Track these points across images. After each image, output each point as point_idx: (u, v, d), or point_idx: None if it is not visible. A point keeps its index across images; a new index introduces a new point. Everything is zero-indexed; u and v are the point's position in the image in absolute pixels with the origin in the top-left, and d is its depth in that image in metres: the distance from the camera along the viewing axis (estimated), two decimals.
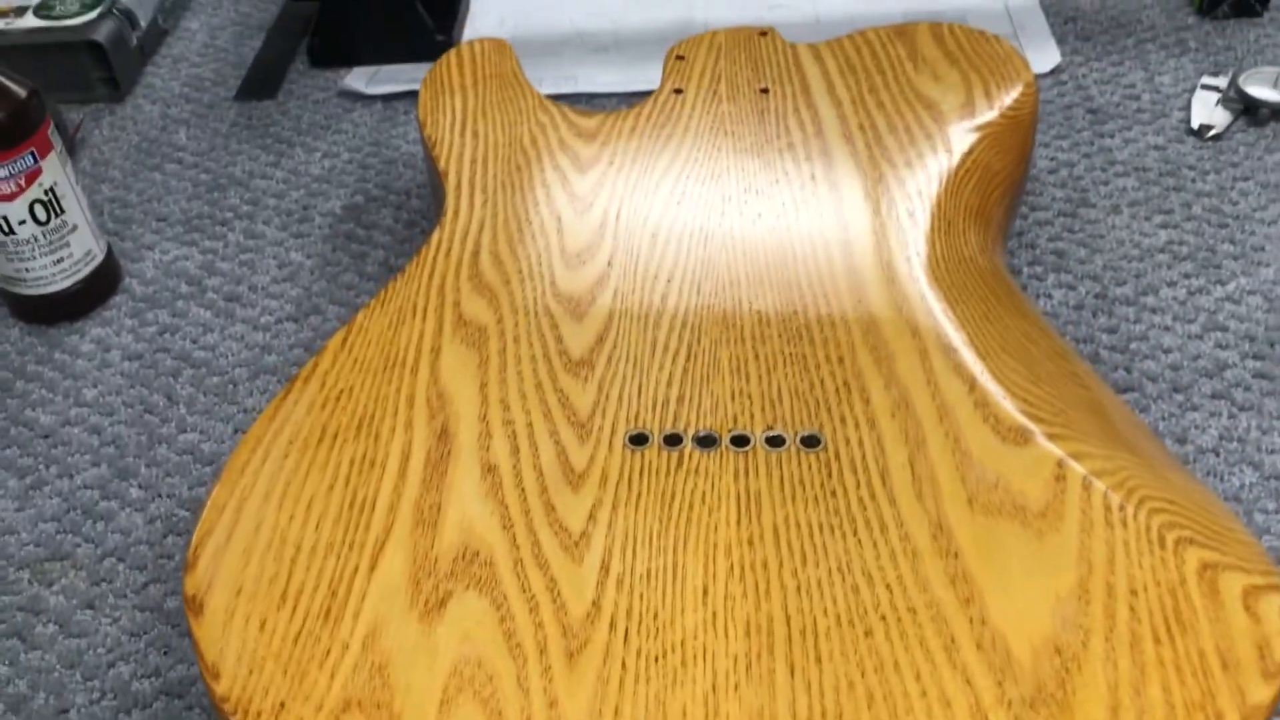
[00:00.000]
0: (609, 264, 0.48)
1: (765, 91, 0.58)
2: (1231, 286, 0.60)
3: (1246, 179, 0.67)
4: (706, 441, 0.41)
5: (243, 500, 0.40)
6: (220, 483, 0.40)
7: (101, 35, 0.79)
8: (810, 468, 0.40)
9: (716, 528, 0.38)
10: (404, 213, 0.70)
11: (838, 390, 0.42)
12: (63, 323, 0.64)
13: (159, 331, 0.64)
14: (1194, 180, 0.67)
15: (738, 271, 0.48)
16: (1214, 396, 0.55)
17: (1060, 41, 0.79)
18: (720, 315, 0.46)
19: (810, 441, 0.41)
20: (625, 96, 0.77)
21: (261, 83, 0.82)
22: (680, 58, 0.61)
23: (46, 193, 0.60)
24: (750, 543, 0.37)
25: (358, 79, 0.80)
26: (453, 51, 0.62)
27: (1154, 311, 0.59)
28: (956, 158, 0.53)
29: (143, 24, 0.84)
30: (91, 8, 0.80)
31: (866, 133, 0.54)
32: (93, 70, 0.80)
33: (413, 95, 0.79)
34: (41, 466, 0.57)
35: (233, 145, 0.77)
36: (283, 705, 0.34)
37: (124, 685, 0.47)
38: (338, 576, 0.37)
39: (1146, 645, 0.34)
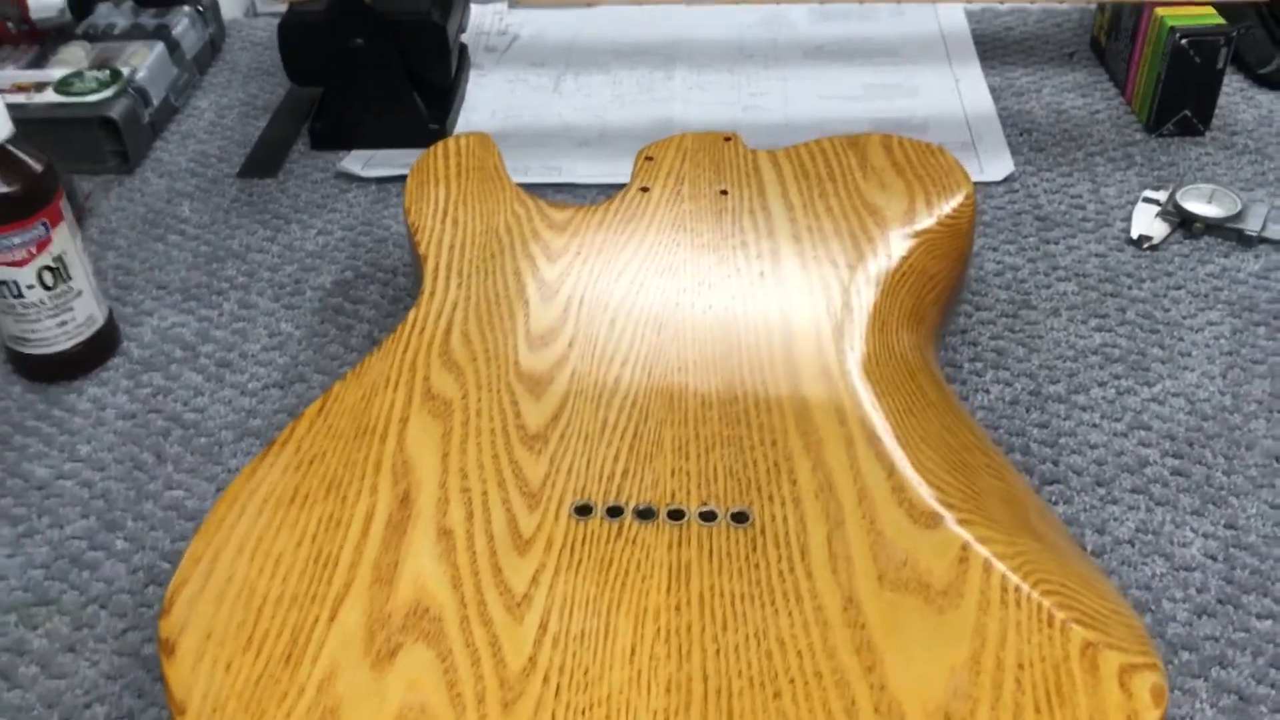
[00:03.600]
0: (569, 345, 0.53)
1: (724, 193, 0.62)
2: (1157, 389, 0.65)
3: (1179, 288, 0.71)
4: (645, 514, 0.45)
5: (217, 552, 0.44)
6: (198, 536, 0.44)
7: (116, 112, 0.84)
8: (738, 541, 0.43)
9: (648, 594, 0.42)
10: (390, 289, 0.74)
11: (769, 470, 0.46)
12: (63, 381, 0.68)
13: (153, 393, 0.68)
14: (1130, 287, 0.72)
15: (686, 357, 0.52)
16: (1134, 491, 0.59)
17: (1015, 152, 0.84)
18: (667, 398, 0.50)
19: (740, 517, 0.45)
20: (605, 187, 0.82)
21: (264, 161, 0.87)
22: (649, 158, 0.66)
23: (55, 260, 0.64)
24: (678, 609, 0.41)
25: (354, 162, 0.85)
26: (439, 144, 0.67)
27: (1083, 409, 0.64)
28: (895, 261, 0.57)
29: (155, 102, 0.89)
30: (108, 86, 0.85)
31: (814, 234, 0.59)
32: (105, 144, 0.85)
33: (405, 179, 0.84)
34: (34, 516, 0.60)
35: (233, 219, 0.82)
36: None
37: None
38: (299, 625, 0.41)
39: (1028, 715, 0.38)
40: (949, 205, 0.61)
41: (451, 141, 0.67)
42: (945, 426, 0.50)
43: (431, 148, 0.67)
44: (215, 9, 1.01)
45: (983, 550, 0.43)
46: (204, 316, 0.73)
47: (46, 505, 0.61)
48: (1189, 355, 0.67)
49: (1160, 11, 0.83)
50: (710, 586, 0.42)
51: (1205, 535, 0.57)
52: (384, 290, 0.74)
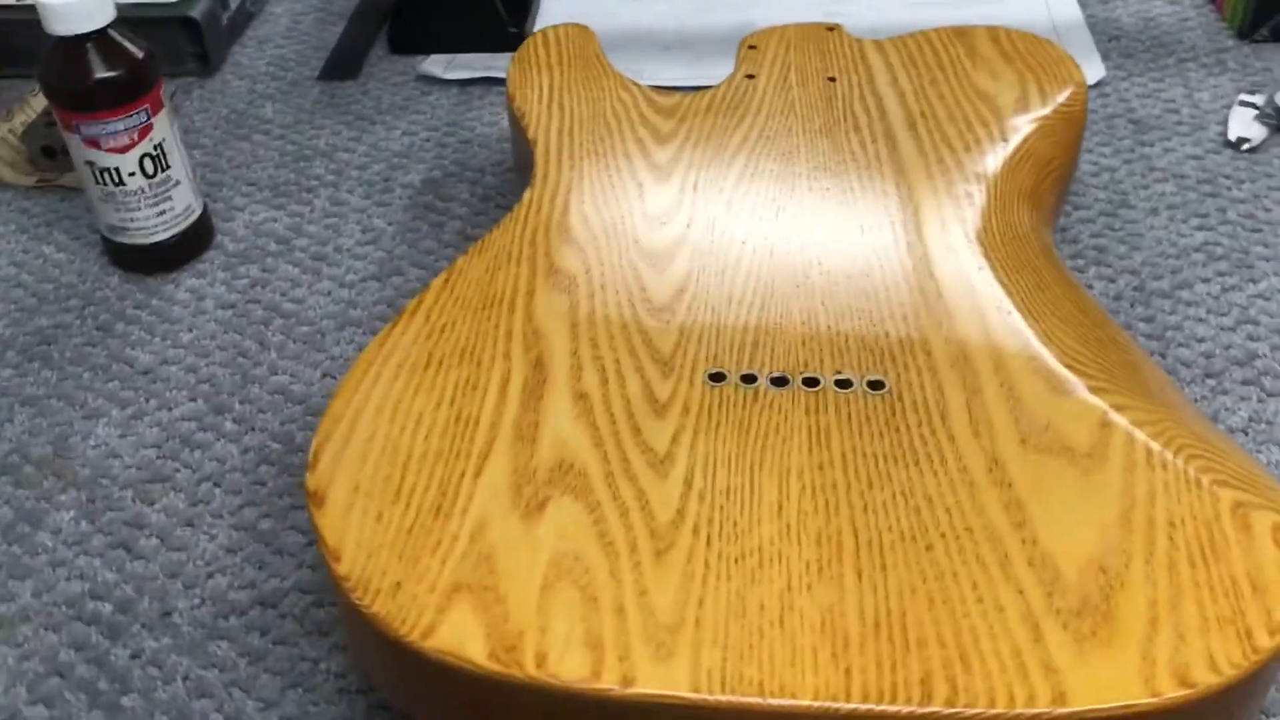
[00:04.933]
0: (688, 226, 0.52)
1: (833, 80, 0.62)
2: (1263, 285, 0.64)
3: (1279, 189, 0.70)
4: (780, 381, 0.45)
5: (358, 412, 0.44)
6: (338, 395, 0.44)
7: (197, 12, 0.84)
8: (875, 407, 0.43)
9: (789, 454, 0.42)
10: (479, 188, 0.74)
11: (901, 342, 0.46)
12: (160, 273, 0.68)
13: (250, 284, 0.68)
14: (1229, 188, 0.71)
15: (808, 238, 0.52)
16: (1244, 383, 0.58)
17: (1104, 58, 0.83)
18: (791, 275, 0.50)
19: (876, 385, 0.44)
20: (691, 89, 0.81)
21: (344, 64, 0.86)
22: (753, 47, 0.65)
23: (156, 148, 0.64)
24: (820, 468, 0.41)
25: (435, 65, 0.85)
26: (539, 34, 0.66)
27: (1189, 305, 0.63)
28: (1012, 145, 0.56)
29: (232, 5, 0.89)
30: None
31: (928, 120, 0.58)
32: (186, 45, 0.85)
33: (487, 82, 0.84)
34: (141, 399, 0.61)
35: (316, 120, 0.81)
36: (398, 585, 0.38)
37: (221, 594, 0.51)
38: (446, 479, 0.41)
39: (1183, 569, 0.38)
40: (1062, 94, 0.60)
41: (551, 31, 0.67)
42: (1072, 301, 0.49)
43: (531, 37, 0.66)
44: None
45: (1122, 417, 0.43)
46: (295, 212, 0.73)
47: (153, 389, 0.61)
48: None
49: None
50: (852, 448, 0.42)
51: None
52: (473, 189, 0.74)
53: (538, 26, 0.89)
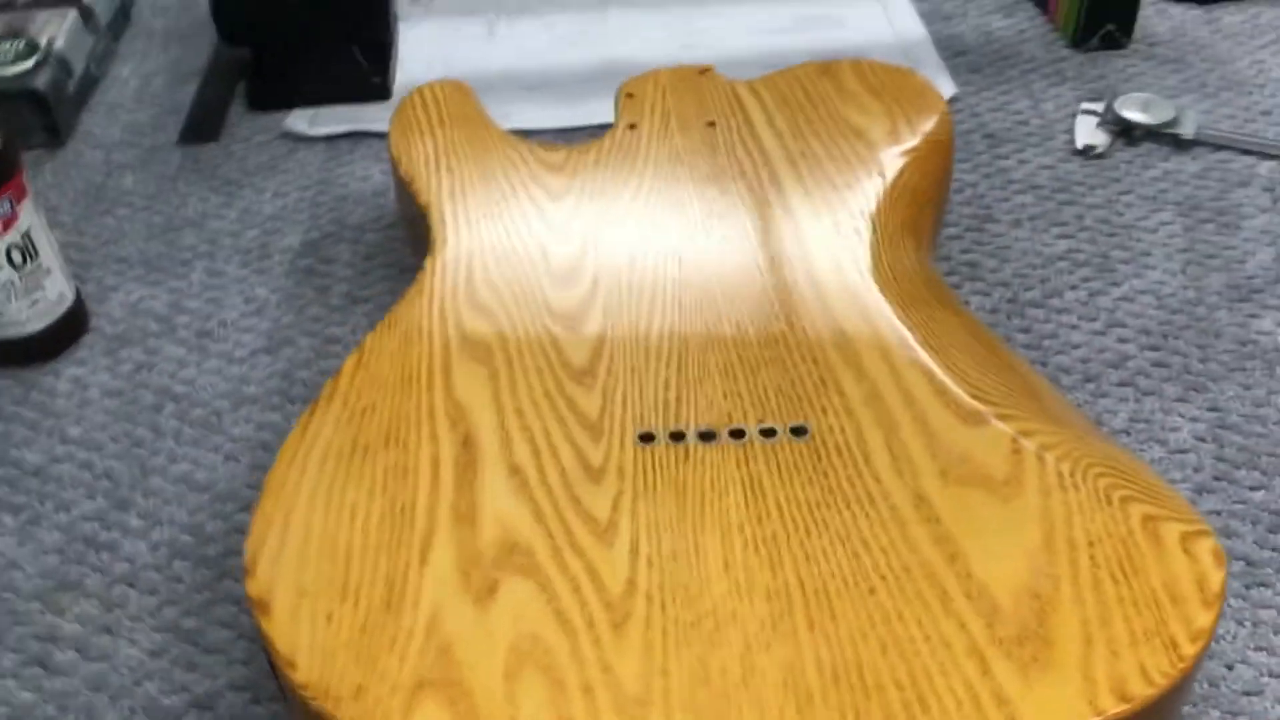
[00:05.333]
0: (594, 282, 0.53)
1: (712, 125, 0.63)
2: (1125, 288, 0.68)
3: (1128, 193, 0.75)
4: (707, 436, 0.46)
5: (289, 511, 0.43)
6: (266, 495, 0.44)
7: (41, 84, 0.80)
8: (802, 454, 0.45)
9: (728, 509, 0.43)
10: (360, 246, 0.73)
11: (815, 385, 0.48)
12: (36, 364, 0.66)
13: (135, 369, 0.66)
14: (1083, 195, 0.75)
15: (712, 288, 0.53)
16: (1120, 384, 0.62)
17: (953, 74, 0.86)
18: (702, 326, 0.51)
19: (798, 431, 0.46)
20: (560, 132, 0.82)
21: (203, 126, 0.84)
22: (630, 95, 0.66)
23: (23, 237, 0.62)
24: (759, 520, 0.42)
25: (299, 121, 0.83)
26: (415, 94, 0.66)
27: (1060, 312, 0.67)
28: (889, 179, 0.59)
29: (77, 72, 0.85)
30: (27, 56, 0.81)
31: (807, 159, 0.60)
32: (32, 119, 0.81)
33: (354, 136, 0.83)
34: (36, 503, 0.58)
35: (181, 188, 0.79)
36: (360, 688, 0.37)
37: (153, 702, 0.50)
38: (393, 571, 0.41)
39: (1107, 587, 0.40)
40: (929, 124, 0.63)
41: (427, 90, 0.66)
42: (967, 330, 0.52)
43: (407, 97, 0.66)
44: None
45: (1031, 442, 0.45)
46: (172, 288, 0.71)
47: (47, 490, 0.59)
48: (1149, 255, 0.70)
49: None
50: (786, 497, 0.43)
51: (1192, 419, 0.60)
52: (354, 249, 0.73)
53: (398, 73, 0.89)
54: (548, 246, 0.55)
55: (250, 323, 0.68)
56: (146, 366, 0.66)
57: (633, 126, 0.64)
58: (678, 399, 0.47)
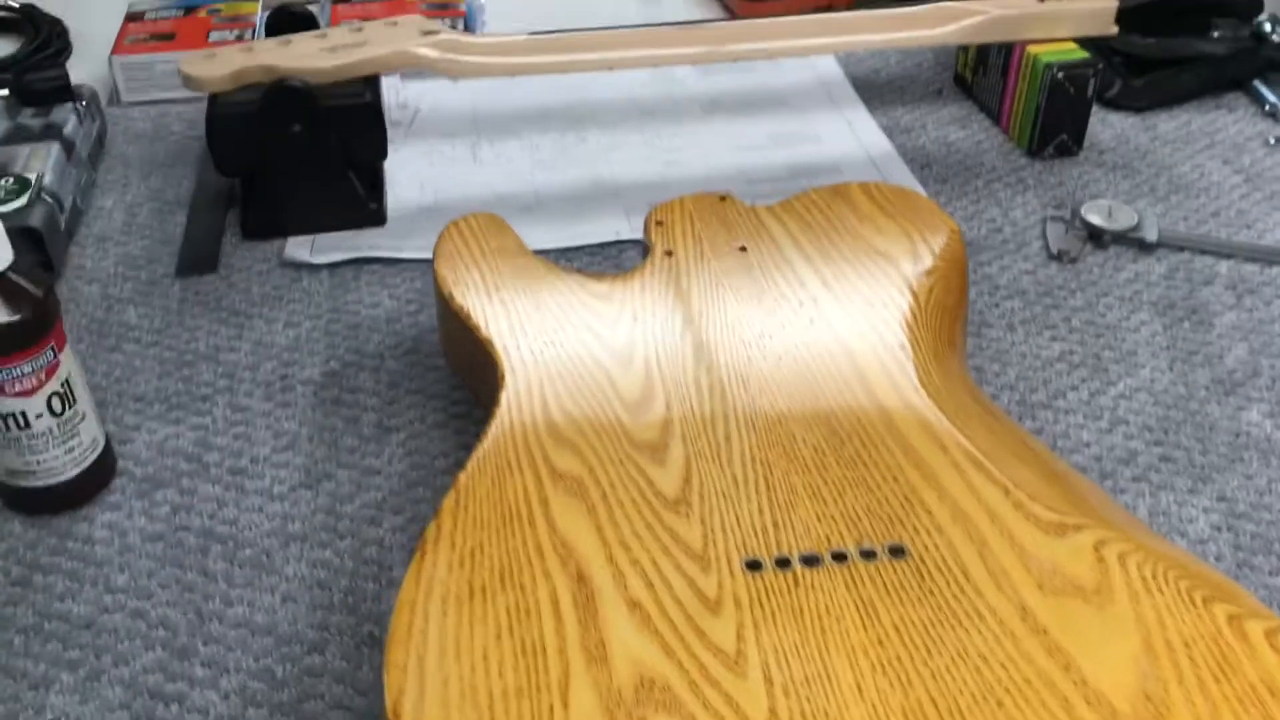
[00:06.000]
0: (667, 409, 0.55)
1: (744, 249, 0.66)
2: (1121, 386, 0.73)
3: (1106, 295, 0.80)
4: (811, 560, 0.48)
5: (421, 658, 0.43)
6: (393, 643, 0.44)
7: (36, 220, 0.79)
8: (905, 573, 0.47)
9: (848, 633, 0.45)
10: (384, 374, 0.74)
11: (902, 505, 0.50)
12: (66, 512, 0.64)
13: (172, 510, 0.65)
14: (1066, 299, 0.80)
15: (780, 408, 0.55)
16: (1135, 480, 0.66)
17: (923, 184, 0.91)
18: (780, 448, 0.53)
19: (897, 551, 0.48)
20: (560, 252, 0.84)
21: (201, 257, 0.84)
22: (660, 223, 0.68)
23: (63, 384, 0.61)
24: (880, 643, 0.44)
25: (299, 249, 0.84)
26: (453, 227, 0.67)
27: (1067, 413, 0.71)
28: (921, 297, 0.62)
29: (66, 206, 0.85)
30: (19, 194, 0.81)
31: (841, 281, 0.64)
32: (28, 255, 0.80)
33: (358, 263, 0.83)
34: (92, 657, 0.57)
35: (187, 321, 0.79)
36: None
37: None
38: (537, 715, 0.41)
39: (1210, 686, 0.43)
40: (943, 242, 0.67)
41: (463, 223, 0.68)
42: (1019, 440, 0.55)
43: (445, 231, 0.67)
44: (97, 101, 0.96)
45: (1109, 550, 0.48)
46: (197, 425, 0.71)
47: (101, 644, 0.58)
48: (1135, 354, 0.75)
49: (1032, 50, 0.93)
50: (900, 617, 0.45)
51: (1205, 510, 0.64)
52: (377, 376, 0.74)
53: (389, 198, 0.90)
54: (614, 375, 0.57)
55: (284, 458, 0.68)
56: (184, 508, 0.65)
57: (669, 253, 0.66)
58: (775, 524, 0.49)
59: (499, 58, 0.87)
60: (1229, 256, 0.84)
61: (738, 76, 1.07)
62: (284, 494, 0.66)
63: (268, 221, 0.86)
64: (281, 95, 0.81)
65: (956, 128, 0.99)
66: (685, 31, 0.88)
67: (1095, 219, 0.85)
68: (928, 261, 0.65)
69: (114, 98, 1.05)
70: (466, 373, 0.65)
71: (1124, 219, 0.85)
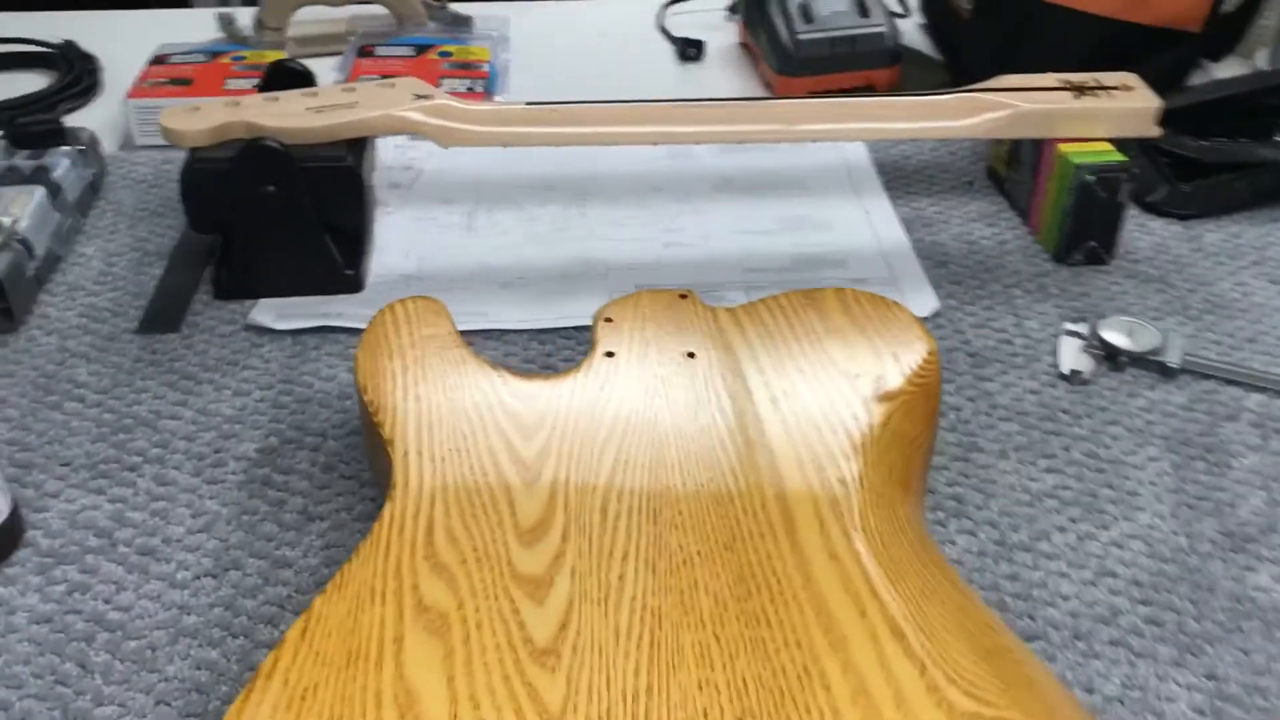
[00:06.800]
0: (563, 539, 0.50)
1: (692, 355, 0.61)
2: (1114, 532, 0.65)
3: (1115, 423, 0.73)
4: None
5: None
6: None
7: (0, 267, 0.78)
8: None
9: None
10: (321, 455, 0.70)
11: (799, 677, 0.44)
12: None
13: (68, 590, 0.61)
14: (1070, 425, 0.73)
15: (689, 548, 0.50)
16: (1112, 644, 0.59)
17: (935, 286, 0.85)
18: (677, 596, 0.47)
19: None
20: (536, 334, 0.80)
21: (164, 314, 0.81)
22: (609, 320, 0.64)
23: None
24: None
25: (265, 313, 0.81)
26: (386, 311, 0.63)
27: (1049, 558, 0.64)
28: (876, 426, 0.56)
29: (39, 252, 0.83)
30: None
31: (790, 400, 0.58)
32: None
33: (322, 331, 0.80)
34: None
35: (136, 382, 0.76)
36: None
37: None
38: None
39: None
40: (915, 364, 0.61)
41: (399, 306, 0.64)
42: (959, 606, 0.49)
43: (378, 315, 0.63)
44: (95, 146, 0.95)
45: None
46: (117, 496, 0.67)
47: None
48: (1137, 495, 0.68)
49: (1063, 148, 0.86)
50: None
51: (1189, 688, 0.57)
52: (314, 457, 0.70)
53: (373, 262, 0.87)
54: (515, 495, 0.52)
55: (197, 540, 0.64)
56: (81, 589, 0.61)
57: (610, 354, 0.61)
58: (648, 690, 0.44)
59: (492, 127, 0.83)
60: (1261, 389, 0.76)
61: (756, 154, 1.02)
62: (187, 581, 0.62)
63: (240, 282, 0.83)
64: (256, 154, 0.78)
65: (982, 225, 0.93)
66: (693, 109, 0.83)
67: (1114, 337, 0.78)
68: (892, 383, 0.59)
69: (128, 141, 1.04)
70: (376, 471, 0.61)
71: (1146, 339, 0.78)
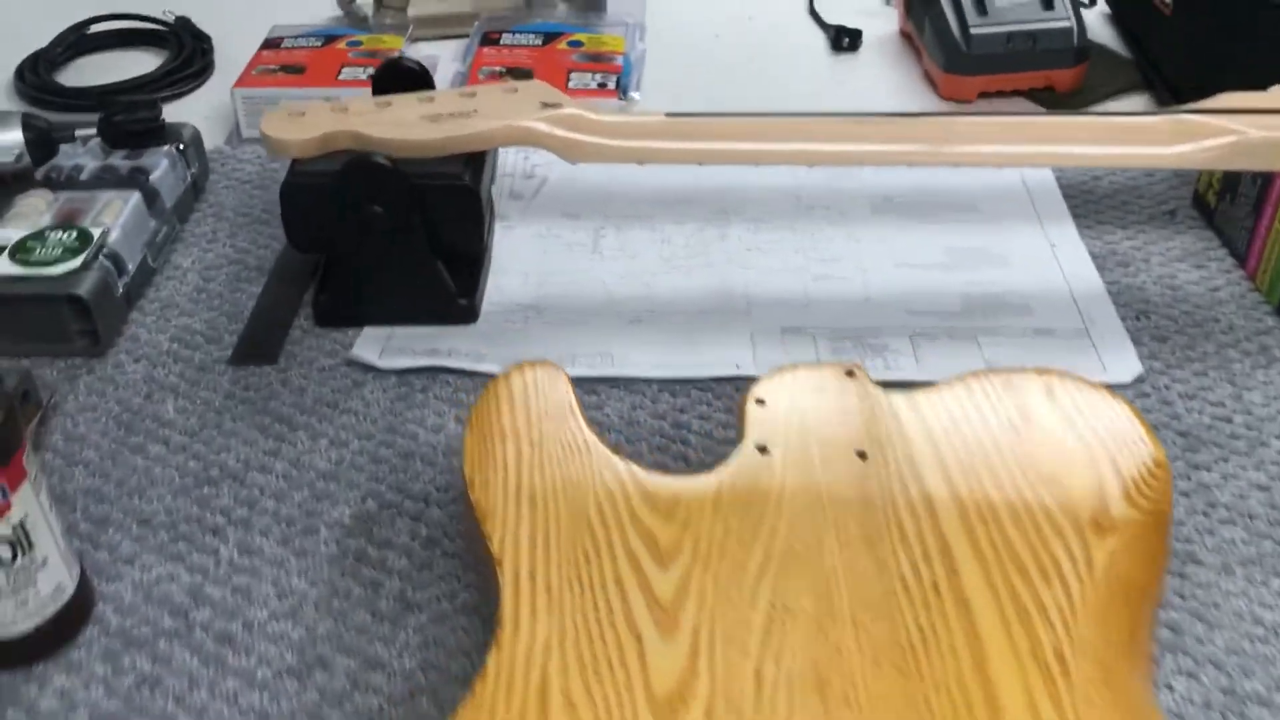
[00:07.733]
0: (708, 713, 0.40)
1: (863, 455, 0.50)
2: None
3: None
4: None
5: None
6: None
7: (84, 289, 0.71)
8: None
9: None
10: (422, 525, 0.62)
11: None
12: (19, 668, 0.54)
13: (136, 683, 0.54)
14: None
15: None
16: None
17: (1135, 342, 0.73)
18: None
19: None
20: (667, 383, 0.70)
21: (261, 344, 0.74)
22: (761, 402, 0.53)
23: (15, 529, 0.51)
24: None
25: (369, 348, 0.73)
26: (498, 383, 0.54)
27: None
28: (1099, 570, 0.45)
29: (131, 268, 0.76)
30: (75, 253, 0.72)
31: (988, 525, 0.47)
32: (73, 323, 0.72)
33: (430, 371, 0.71)
34: None
35: (226, 423, 0.68)
36: None
37: None
38: None
39: None
40: (1141, 483, 0.49)
41: (515, 376, 0.55)
42: None
43: (490, 386, 0.54)
44: (198, 144, 0.88)
45: None
46: (197, 565, 0.60)
47: None
48: None
49: None
50: None
51: None
52: (414, 527, 0.61)
53: (489, 291, 0.78)
54: (648, 647, 0.42)
55: (281, 628, 0.57)
56: (150, 682, 0.54)
57: (763, 450, 0.51)
58: None
59: (625, 141, 0.73)
60: None
61: (922, 169, 0.90)
62: (267, 680, 0.54)
63: (342, 308, 0.75)
64: (360, 170, 0.69)
65: (1189, 265, 0.80)
66: (850, 124, 0.72)
67: None
68: (1117, 511, 0.48)
69: (234, 133, 0.97)
70: (474, 554, 0.52)
71: None
